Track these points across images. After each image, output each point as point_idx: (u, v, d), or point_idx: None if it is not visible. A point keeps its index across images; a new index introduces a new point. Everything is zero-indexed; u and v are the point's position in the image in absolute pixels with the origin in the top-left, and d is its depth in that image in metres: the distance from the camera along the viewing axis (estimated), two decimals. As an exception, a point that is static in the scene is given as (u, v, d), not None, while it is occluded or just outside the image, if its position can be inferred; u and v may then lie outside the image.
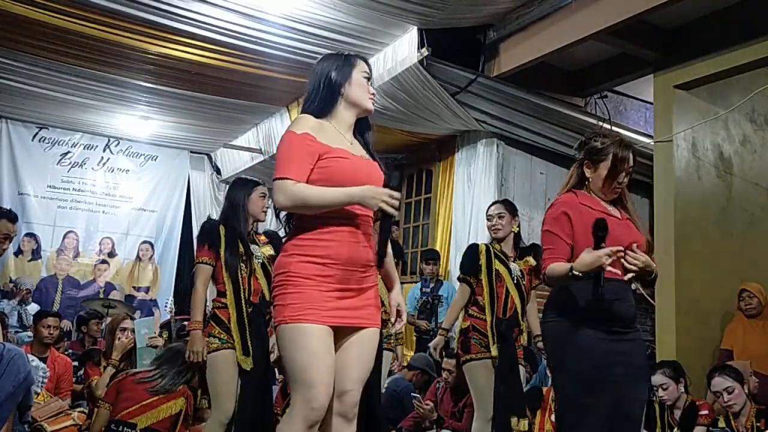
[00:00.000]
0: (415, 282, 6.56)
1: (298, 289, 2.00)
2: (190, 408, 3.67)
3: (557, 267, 2.36)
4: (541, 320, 2.74)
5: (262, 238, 3.47)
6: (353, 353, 2.07)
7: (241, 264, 3.23)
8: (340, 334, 2.07)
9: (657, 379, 3.99)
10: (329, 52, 2.37)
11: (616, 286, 2.34)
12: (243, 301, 3.19)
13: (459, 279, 3.85)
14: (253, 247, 3.32)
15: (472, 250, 3.81)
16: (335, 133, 2.13)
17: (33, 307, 7.03)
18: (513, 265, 3.73)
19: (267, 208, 3.36)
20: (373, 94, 2.22)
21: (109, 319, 6.35)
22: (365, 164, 2.14)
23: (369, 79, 2.22)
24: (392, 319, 2.26)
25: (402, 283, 7.49)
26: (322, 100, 2.15)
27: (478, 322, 3.65)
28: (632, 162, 2.50)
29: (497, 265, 3.69)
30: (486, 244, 3.79)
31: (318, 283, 2.00)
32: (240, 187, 3.37)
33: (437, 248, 6.74)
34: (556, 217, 2.45)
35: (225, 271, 3.18)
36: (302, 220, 2.08)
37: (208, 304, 3.36)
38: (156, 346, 4.17)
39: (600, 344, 2.33)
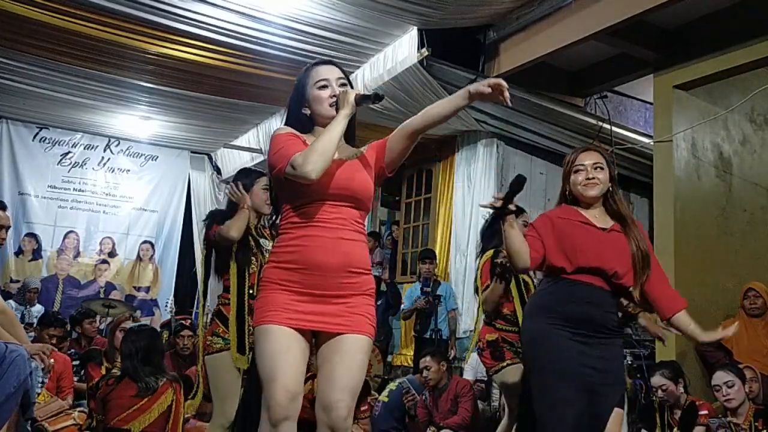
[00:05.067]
0: (413, 282, 6.56)
1: (264, 293, 2.08)
2: (180, 397, 3.62)
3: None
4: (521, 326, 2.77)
5: (268, 232, 3.32)
6: (334, 362, 2.01)
7: (252, 258, 3.12)
8: (320, 341, 2.06)
9: (656, 380, 4.00)
10: (327, 53, 2.34)
11: (591, 291, 2.48)
12: (246, 297, 3.07)
13: None
14: (262, 241, 3.21)
15: None
16: None
17: (38, 308, 7.03)
18: (540, 274, 3.73)
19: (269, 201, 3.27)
20: (334, 95, 2.13)
21: (107, 319, 6.37)
22: (348, 168, 2.11)
23: (326, 85, 2.16)
24: None
25: (400, 283, 7.52)
26: (298, 125, 2.20)
27: (507, 334, 3.61)
28: (590, 159, 2.60)
29: (524, 276, 3.68)
30: None
31: (283, 287, 2.04)
32: (244, 177, 3.24)
33: (437, 248, 6.74)
34: (542, 222, 2.66)
35: (233, 264, 3.06)
36: (283, 227, 2.11)
37: (211, 300, 3.27)
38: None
39: (573, 344, 2.43)
